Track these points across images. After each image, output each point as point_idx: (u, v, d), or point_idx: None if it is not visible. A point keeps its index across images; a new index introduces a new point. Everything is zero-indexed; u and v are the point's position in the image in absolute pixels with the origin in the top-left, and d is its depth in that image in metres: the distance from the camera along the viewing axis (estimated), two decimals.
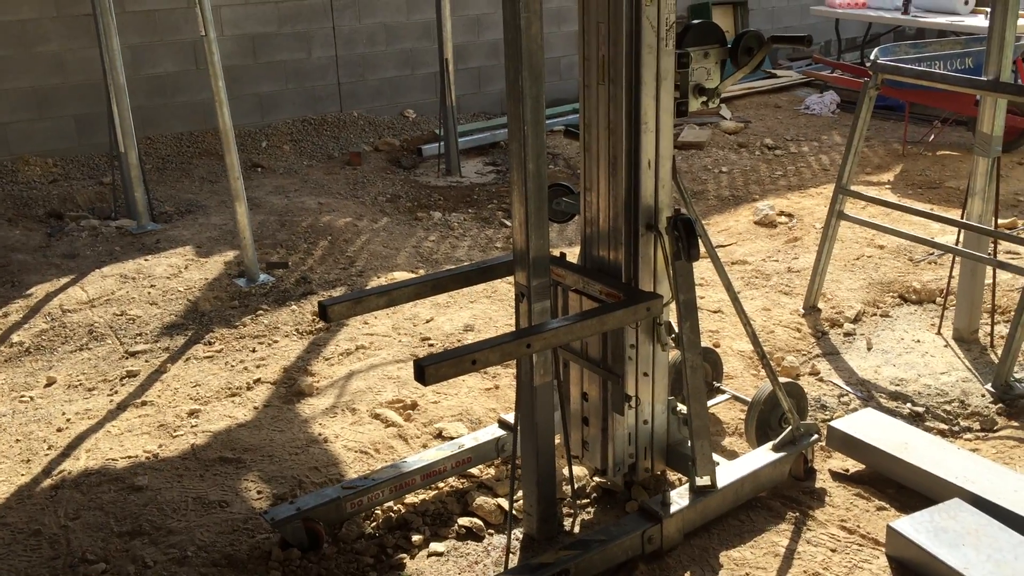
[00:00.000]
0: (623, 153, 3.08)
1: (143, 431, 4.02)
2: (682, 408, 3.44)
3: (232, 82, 7.96)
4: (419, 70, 9.15)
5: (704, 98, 3.25)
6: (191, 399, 4.27)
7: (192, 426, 4.04)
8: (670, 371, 3.40)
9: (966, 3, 9.19)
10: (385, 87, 9.02)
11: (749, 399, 3.72)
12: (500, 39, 9.42)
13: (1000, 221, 5.88)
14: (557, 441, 3.32)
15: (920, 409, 3.96)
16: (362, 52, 8.83)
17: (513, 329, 4.64)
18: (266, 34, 8.31)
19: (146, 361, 4.65)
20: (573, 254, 3.43)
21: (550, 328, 2.83)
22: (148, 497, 3.54)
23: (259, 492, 3.57)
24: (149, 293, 5.34)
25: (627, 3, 2.95)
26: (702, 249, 3.15)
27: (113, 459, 3.81)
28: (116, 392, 4.37)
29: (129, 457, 3.81)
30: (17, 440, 3.99)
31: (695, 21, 3.24)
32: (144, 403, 4.26)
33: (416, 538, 3.28)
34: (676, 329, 3.19)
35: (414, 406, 4.09)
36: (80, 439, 3.97)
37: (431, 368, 2.57)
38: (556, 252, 3.35)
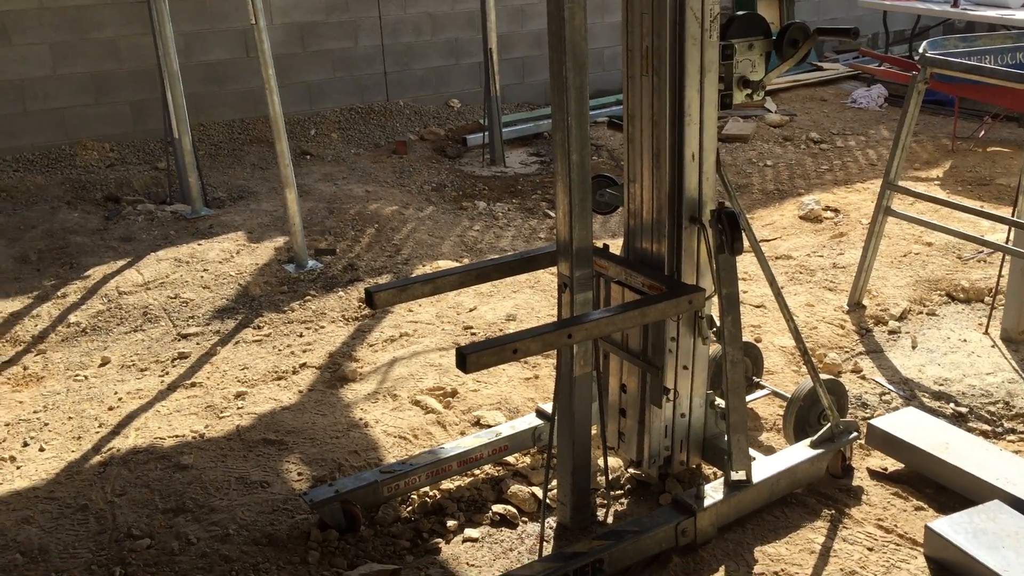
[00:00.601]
0: (667, 145, 3.08)
1: (191, 411, 4.12)
2: (720, 402, 3.44)
3: (281, 70, 8.06)
4: (464, 60, 9.19)
5: (749, 90, 3.23)
6: (238, 381, 4.36)
7: (238, 408, 4.13)
8: (710, 365, 3.40)
9: None
10: (430, 76, 9.07)
11: (787, 394, 3.71)
12: (544, 29, 9.49)
13: None
14: (594, 432, 3.35)
15: (963, 409, 3.92)
16: (408, 41, 8.89)
17: (555, 319, 4.68)
18: (314, 23, 8.40)
19: (197, 344, 4.75)
20: (616, 246, 3.44)
21: (591, 319, 2.85)
22: (193, 476, 3.63)
23: (300, 474, 3.64)
24: (202, 277, 5.45)
25: None
26: (746, 243, 3.14)
27: (161, 438, 3.91)
28: (167, 373, 4.48)
29: (176, 436, 3.91)
30: (70, 418, 4.10)
31: (740, 12, 3.23)
32: (193, 384, 4.36)
33: (451, 523, 3.33)
34: (717, 323, 3.20)
35: (454, 394, 4.14)
36: (130, 418, 4.08)
37: (473, 356, 2.60)
38: (599, 243, 3.37)
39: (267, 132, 7.83)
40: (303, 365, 4.47)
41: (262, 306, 5.14)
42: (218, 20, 7.96)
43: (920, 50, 4.75)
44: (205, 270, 5.53)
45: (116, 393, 4.29)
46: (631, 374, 3.36)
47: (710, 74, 3.05)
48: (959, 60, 5.19)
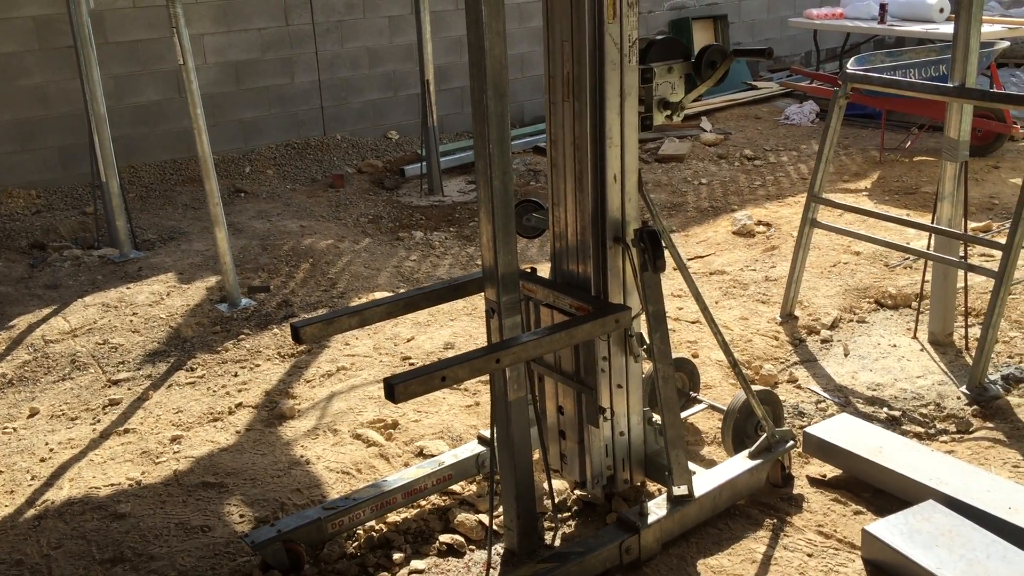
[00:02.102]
0: (589, 168, 3.12)
1: (126, 458, 4.04)
2: (658, 419, 3.46)
3: (215, 109, 8.02)
4: (402, 91, 9.22)
5: (668, 112, 3.30)
6: (173, 425, 4.29)
7: (175, 452, 4.06)
8: (645, 382, 3.42)
9: (941, 11, 9.29)
10: (368, 110, 9.08)
11: (723, 407, 3.75)
12: None
13: (975, 224, 5.96)
14: (536, 456, 3.35)
15: (896, 413, 4.00)
16: (345, 75, 8.89)
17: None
18: (250, 61, 8.37)
19: (128, 389, 4.66)
20: (546, 269, 3.47)
21: (519, 343, 2.86)
22: (131, 524, 3.55)
23: (241, 516, 3.58)
24: (131, 321, 5.36)
25: (590, 22, 3.00)
26: (670, 261, 3.18)
27: (96, 487, 3.82)
28: (99, 421, 4.39)
29: (112, 485, 3.83)
30: (0, 472, 4.00)
31: (659, 36, 3.29)
32: (127, 431, 4.27)
33: (397, 556, 3.30)
34: (647, 340, 3.22)
35: (395, 425, 4.12)
36: (63, 468, 3.98)
37: (400, 386, 2.60)
38: (527, 267, 3.39)
39: (199, 172, 7.76)
40: (239, 405, 4.42)
41: (195, 347, 5.07)
42: (150, 61, 7.90)
43: (848, 67, 4.90)
44: (134, 314, 5.44)
45: (47, 444, 4.19)
46: (567, 396, 3.37)
47: (630, 97, 3.10)
48: (878, 75, 5.33)
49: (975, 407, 3.98)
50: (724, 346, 3.40)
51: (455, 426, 4.09)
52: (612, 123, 3.08)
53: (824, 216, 4.87)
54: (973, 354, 4.39)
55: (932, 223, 4.53)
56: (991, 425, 3.86)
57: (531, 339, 2.89)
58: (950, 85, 4.44)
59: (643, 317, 3.21)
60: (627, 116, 3.12)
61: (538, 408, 3.37)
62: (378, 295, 5.56)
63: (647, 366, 3.42)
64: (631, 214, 3.19)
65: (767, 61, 9.25)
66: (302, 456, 3.96)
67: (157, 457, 4.03)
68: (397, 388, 2.59)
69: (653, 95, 3.23)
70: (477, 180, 2.98)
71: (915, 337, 4.65)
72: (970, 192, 4.50)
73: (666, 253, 3.13)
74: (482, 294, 3.49)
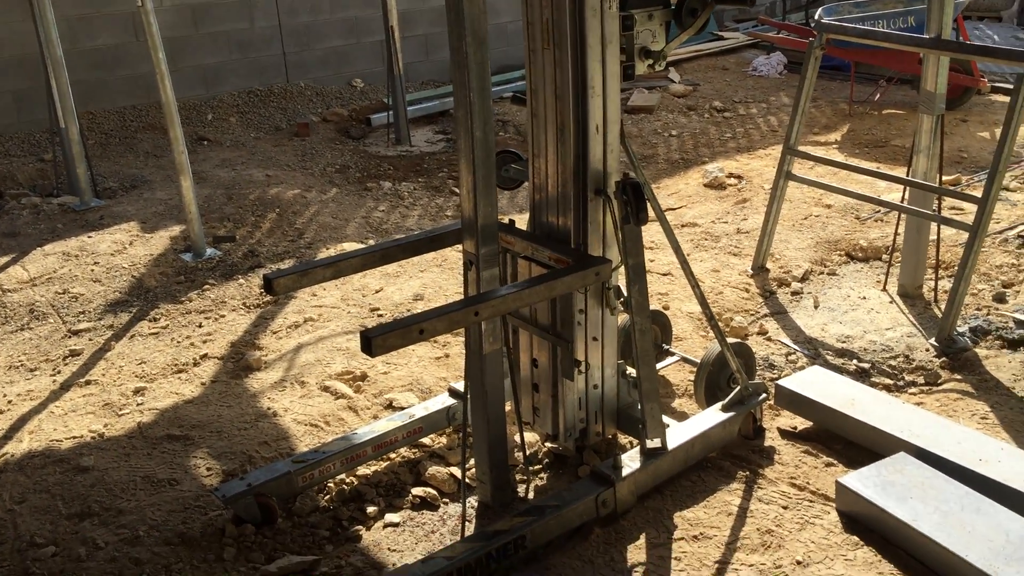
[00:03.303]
0: (571, 118, 3.05)
1: (88, 411, 3.95)
2: (632, 372, 3.44)
3: (175, 53, 7.79)
4: (365, 38, 9.03)
5: (650, 61, 3.23)
6: (137, 377, 4.20)
7: (138, 404, 3.97)
8: (619, 335, 3.39)
9: None
10: (331, 57, 8.89)
11: (696, 360, 3.74)
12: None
13: (944, 178, 5.97)
14: (508, 408, 3.31)
15: (866, 365, 4.01)
16: (306, 21, 8.68)
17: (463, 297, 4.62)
18: (207, 4, 8.13)
19: (90, 340, 4.56)
20: (523, 221, 3.41)
21: (498, 295, 2.81)
22: (95, 478, 3.48)
23: (209, 469, 3.52)
24: (92, 271, 5.23)
25: None
26: (651, 213, 3.14)
27: (58, 440, 3.73)
28: (59, 372, 4.29)
29: (74, 438, 3.75)
30: None
31: None
32: (88, 382, 4.18)
33: (371, 510, 3.27)
34: (625, 293, 3.19)
35: (364, 377, 4.06)
36: (23, 421, 3.89)
37: (378, 339, 2.54)
38: (505, 219, 3.32)
39: (161, 118, 7.54)
40: (204, 356, 4.33)
41: (158, 297, 4.96)
42: (104, 3, 7.64)
43: (816, 17, 4.84)
44: (96, 263, 5.31)
45: (5, 395, 4.08)
46: (542, 348, 3.33)
47: (611, 45, 3.03)
48: (854, 25, 5.28)
49: (943, 359, 4.01)
50: (701, 298, 3.37)
51: (425, 378, 4.04)
52: (594, 72, 3.01)
53: (796, 169, 4.84)
54: (942, 307, 4.42)
55: (907, 176, 4.52)
56: (959, 377, 3.89)
57: (510, 292, 2.84)
58: (926, 37, 4.40)
59: (620, 270, 3.17)
60: (609, 65, 3.04)
61: (512, 361, 3.33)
62: (347, 246, 5.47)
63: (621, 318, 3.39)
64: (612, 166, 3.14)
65: (749, 8, 9.15)
66: (269, 408, 3.90)
67: (120, 409, 3.95)
68: (375, 341, 2.54)
69: (634, 43, 3.15)
70: (456, 130, 2.91)
71: (885, 289, 4.66)
72: None
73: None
74: (455, 246, 3.45)
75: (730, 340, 3.61)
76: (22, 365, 4.36)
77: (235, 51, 8.36)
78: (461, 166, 2.93)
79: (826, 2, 8.41)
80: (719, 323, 4.29)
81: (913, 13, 7.85)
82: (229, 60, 8.35)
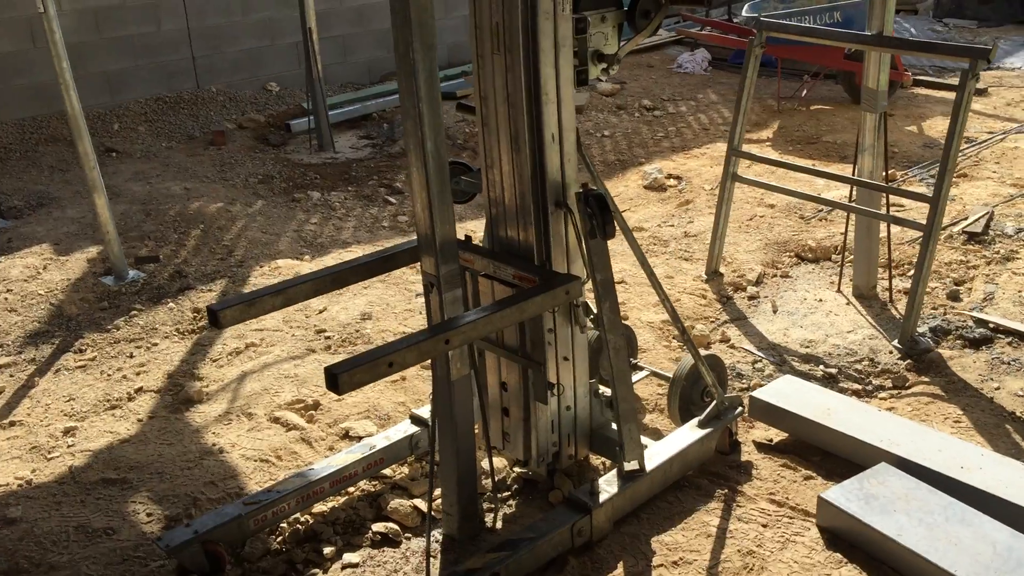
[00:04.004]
0: (525, 127, 2.89)
1: (13, 455, 3.63)
2: (604, 390, 3.30)
3: (76, 60, 7.28)
4: (280, 40, 8.70)
5: (604, 64, 3.10)
6: (65, 415, 3.88)
7: (68, 446, 3.67)
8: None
9: None
10: (244, 60, 8.54)
11: (667, 374, 3.62)
12: (364, 4, 9.11)
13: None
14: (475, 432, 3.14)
15: (833, 371, 3.95)
16: (216, 23, 8.31)
17: (412, 314, 4.42)
18: (109, 7, 7.70)
19: (11, 376, 4.21)
20: (467, 232, 3.23)
21: (467, 321, 2.64)
22: (23, 530, 3.19)
23: (149, 515, 3.26)
24: (6, 299, 4.85)
25: None
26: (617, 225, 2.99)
27: None
28: None
29: None
30: None
31: None
32: (12, 423, 3.85)
33: (328, 550, 3.06)
34: (594, 309, 3.04)
35: (316, 406, 3.83)
36: None
37: (345, 376, 2.36)
38: (459, 235, 3.14)
39: (64, 130, 7.14)
40: (139, 390, 4.03)
41: (81, 326, 4.62)
42: None
43: (744, 12, 4.77)
44: (9, 291, 4.93)
45: None
46: (511, 371, 3.16)
47: (564, 49, 2.88)
48: (794, 24, 5.25)
49: (908, 361, 3.97)
50: (673, 314, 3.25)
51: (382, 403, 3.83)
52: (547, 78, 2.86)
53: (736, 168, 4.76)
54: (899, 307, 4.40)
55: (853, 175, 4.48)
56: (927, 379, 3.85)
57: (480, 316, 2.66)
58: (868, 33, 4.37)
59: (587, 285, 3.02)
60: (563, 70, 2.90)
61: (480, 383, 3.15)
62: (281, 263, 5.19)
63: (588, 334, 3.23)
64: (571, 176, 2.99)
65: (705, 8, 9.07)
66: (214, 444, 3.63)
67: (49, 452, 3.63)
68: (341, 378, 2.35)
69: (587, 46, 3.00)
70: (406, 142, 2.73)
71: (839, 291, 4.62)
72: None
73: None
74: (407, 265, 3.25)
75: (703, 353, 3.49)
76: None
77: (141, 56, 7.95)
78: (413, 180, 2.75)
79: None
80: (675, 331, 4.18)
81: (839, 9, 7.91)
82: (134, 66, 7.94)
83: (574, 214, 2.96)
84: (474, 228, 4.91)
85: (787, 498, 3.20)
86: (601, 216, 2.92)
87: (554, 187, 2.96)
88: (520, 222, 3.03)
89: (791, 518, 3.11)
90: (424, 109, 2.63)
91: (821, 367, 3.98)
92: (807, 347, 4.15)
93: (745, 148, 4.54)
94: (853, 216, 4.56)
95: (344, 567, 3.00)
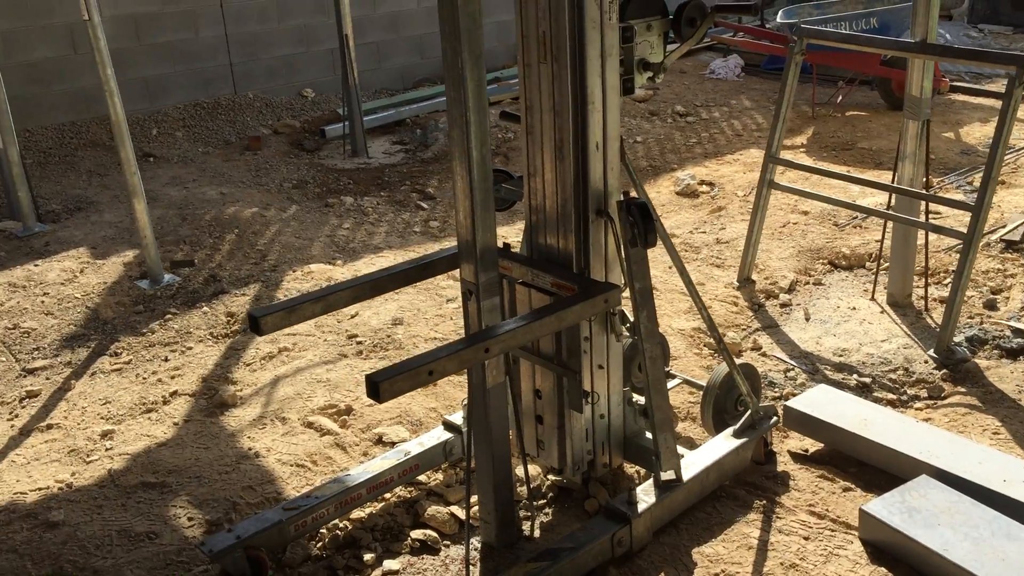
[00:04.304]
0: (570, 135, 2.90)
1: (52, 458, 3.67)
2: (638, 399, 3.29)
3: (116, 66, 7.33)
4: (315, 47, 8.76)
5: (650, 73, 3.12)
6: (102, 418, 3.92)
7: (107, 449, 3.70)
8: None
9: None
10: (280, 66, 8.60)
11: (700, 382, 3.60)
12: (398, 11, 9.16)
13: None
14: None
15: (867, 380, 3.91)
16: (253, 29, 8.38)
17: (443, 319, 4.42)
18: (149, 14, 7.79)
19: (47, 379, 4.26)
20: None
21: (507, 330, 2.64)
22: (66, 533, 3.22)
23: (190, 519, 3.28)
24: (43, 302, 4.91)
25: None
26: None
27: (21, 492, 3.45)
28: (16, 416, 3.99)
29: (40, 489, 3.47)
30: None
31: None
32: (50, 426, 3.89)
33: (368, 556, 3.06)
34: (630, 317, 3.03)
35: (349, 411, 3.84)
36: None
37: (386, 384, 2.37)
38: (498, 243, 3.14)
39: (103, 135, 7.23)
40: (174, 393, 4.07)
41: (117, 330, 4.66)
42: (40, 16, 7.26)
43: (778, 19, 4.74)
44: (46, 294, 4.99)
45: None
46: (545, 378, 3.16)
47: (611, 58, 2.89)
48: (833, 31, 5.22)
49: (944, 371, 3.92)
50: (710, 324, 3.24)
51: (414, 409, 3.84)
52: (593, 86, 2.87)
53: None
54: (934, 315, 4.35)
55: (893, 182, 4.44)
56: (963, 390, 3.80)
57: (520, 325, 2.66)
58: (911, 40, 4.33)
59: (624, 293, 3.01)
60: (609, 78, 2.91)
61: (514, 391, 3.15)
62: (314, 267, 5.22)
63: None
64: (613, 184, 3.00)
65: (754, 15, 9.01)
66: (250, 448, 3.66)
67: (88, 456, 3.67)
68: (382, 387, 2.36)
69: (634, 55, 3.02)
70: (452, 150, 2.73)
71: (873, 299, 4.58)
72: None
73: None
74: (444, 272, 3.26)
75: (738, 361, 3.47)
76: None
77: (179, 63, 8.04)
78: (457, 188, 2.75)
79: (782, 5, 8.36)
80: (707, 339, 4.17)
81: (875, 15, 7.85)
82: (173, 72, 8.02)
83: (615, 223, 2.96)
84: (504, 235, 4.91)
85: (827, 510, 3.17)
86: (643, 224, 2.91)
87: (596, 195, 2.96)
88: (560, 230, 3.03)
89: (832, 531, 3.08)
90: (472, 118, 2.63)
91: (855, 376, 3.94)
92: (840, 356, 4.11)
93: (780, 154, 4.53)
94: (889, 223, 4.52)
95: (385, 574, 3.00)
